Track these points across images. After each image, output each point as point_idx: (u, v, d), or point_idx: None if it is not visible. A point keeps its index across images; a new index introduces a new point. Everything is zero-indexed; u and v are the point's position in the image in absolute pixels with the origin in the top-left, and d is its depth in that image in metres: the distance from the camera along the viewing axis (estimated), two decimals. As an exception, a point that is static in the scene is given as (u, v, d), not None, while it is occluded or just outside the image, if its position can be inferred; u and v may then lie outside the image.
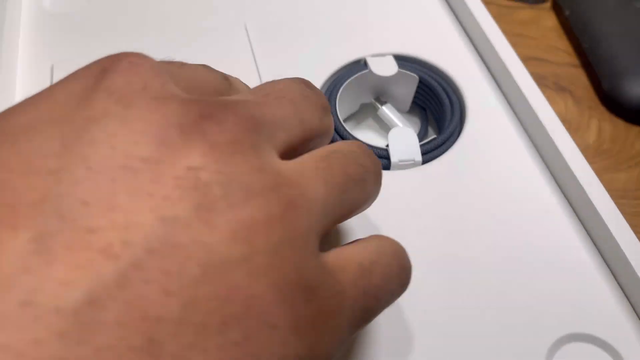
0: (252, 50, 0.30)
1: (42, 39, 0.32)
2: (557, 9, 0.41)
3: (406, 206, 0.24)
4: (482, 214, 0.24)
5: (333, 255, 0.13)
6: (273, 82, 0.16)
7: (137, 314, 0.10)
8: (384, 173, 0.25)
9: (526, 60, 0.39)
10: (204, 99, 0.13)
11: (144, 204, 0.11)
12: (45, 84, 0.30)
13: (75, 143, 0.11)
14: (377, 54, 0.30)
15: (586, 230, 0.24)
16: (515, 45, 0.40)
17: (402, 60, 0.30)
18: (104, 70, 0.13)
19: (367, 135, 0.31)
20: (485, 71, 0.30)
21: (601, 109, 0.35)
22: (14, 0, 0.33)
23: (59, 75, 0.30)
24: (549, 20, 0.41)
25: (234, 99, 0.14)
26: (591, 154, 0.33)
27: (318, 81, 0.29)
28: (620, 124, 0.35)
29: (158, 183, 0.11)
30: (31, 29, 0.32)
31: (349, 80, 0.28)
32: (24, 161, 0.11)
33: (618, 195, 0.32)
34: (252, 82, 0.28)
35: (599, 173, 0.33)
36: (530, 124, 0.27)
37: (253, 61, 0.30)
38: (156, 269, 0.10)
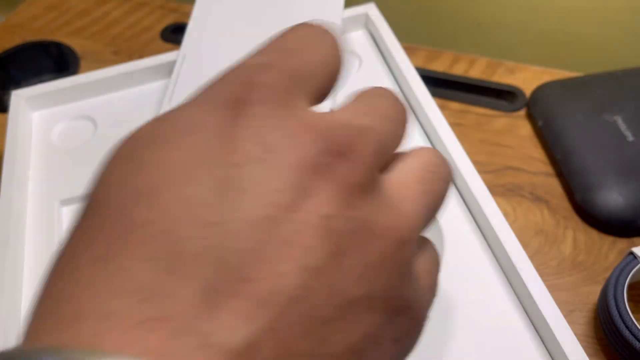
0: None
1: (49, 173, 0.34)
2: (531, 118, 0.44)
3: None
4: (455, 352, 0.26)
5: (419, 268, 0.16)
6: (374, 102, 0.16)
7: (282, 351, 0.11)
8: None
9: (503, 169, 0.41)
10: (336, 129, 0.14)
11: (287, 254, 0.12)
12: (53, 220, 0.32)
13: (225, 193, 0.12)
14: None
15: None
16: (493, 154, 0.42)
17: None
18: (238, 102, 0.13)
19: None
20: (460, 201, 0.32)
21: (575, 218, 0.38)
22: (24, 136, 0.35)
23: (66, 213, 0.32)
24: (524, 128, 0.44)
25: (362, 125, 0.15)
26: (568, 266, 0.35)
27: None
28: (594, 233, 0.37)
29: (297, 233, 0.12)
30: (40, 163, 0.35)
31: None
32: (184, 209, 0.12)
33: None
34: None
35: (577, 286, 0.35)
36: (505, 268, 0.29)
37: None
38: (298, 314, 0.12)
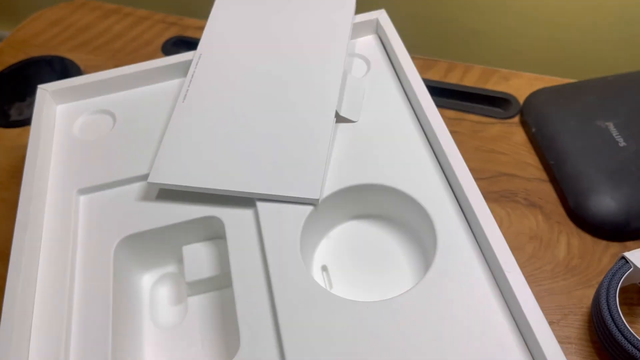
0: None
1: (69, 163, 0.36)
2: (524, 124, 0.45)
3: (374, 338, 0.27)
4: (442, 348, 0.26)
5: None
6: None
7: None
8: (355, 304, 0.28)
9: (498, 176, 0.42)
10: None
11: None
12: (70, 207, 0.34)
13: None
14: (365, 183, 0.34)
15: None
16: (487, 161, 0.43)
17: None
18: None
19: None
20: (457, 205, 0.33)
21: (569, 223, 0.38)
22: (48, 127, 0.37)
23: (83, 201, 0.34)
24: (518, 135, 0.44)
25: None
26: (562, 271, 0.36)
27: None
28: (588, 238, 0.37)
29: None
30: (61, 153, 0.37)
31: None
32: None
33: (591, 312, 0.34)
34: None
35: (571, 289, 0.35)
36: (495, 271, 0.29)
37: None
38: None
